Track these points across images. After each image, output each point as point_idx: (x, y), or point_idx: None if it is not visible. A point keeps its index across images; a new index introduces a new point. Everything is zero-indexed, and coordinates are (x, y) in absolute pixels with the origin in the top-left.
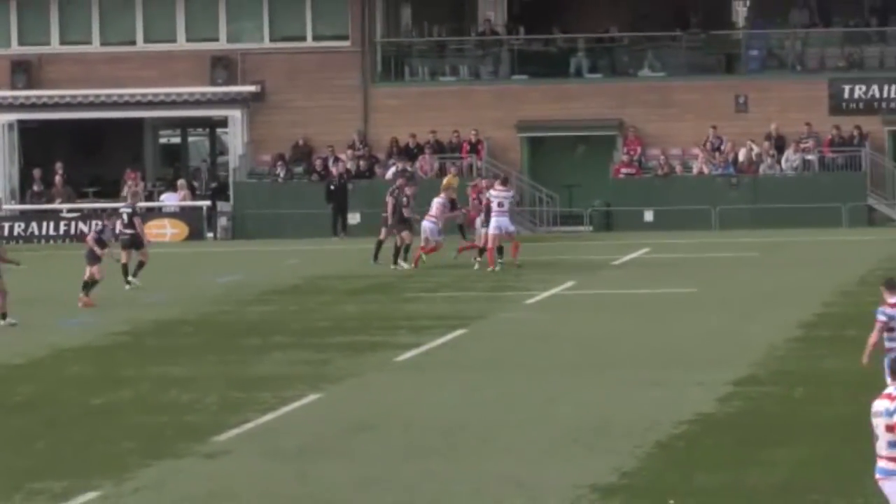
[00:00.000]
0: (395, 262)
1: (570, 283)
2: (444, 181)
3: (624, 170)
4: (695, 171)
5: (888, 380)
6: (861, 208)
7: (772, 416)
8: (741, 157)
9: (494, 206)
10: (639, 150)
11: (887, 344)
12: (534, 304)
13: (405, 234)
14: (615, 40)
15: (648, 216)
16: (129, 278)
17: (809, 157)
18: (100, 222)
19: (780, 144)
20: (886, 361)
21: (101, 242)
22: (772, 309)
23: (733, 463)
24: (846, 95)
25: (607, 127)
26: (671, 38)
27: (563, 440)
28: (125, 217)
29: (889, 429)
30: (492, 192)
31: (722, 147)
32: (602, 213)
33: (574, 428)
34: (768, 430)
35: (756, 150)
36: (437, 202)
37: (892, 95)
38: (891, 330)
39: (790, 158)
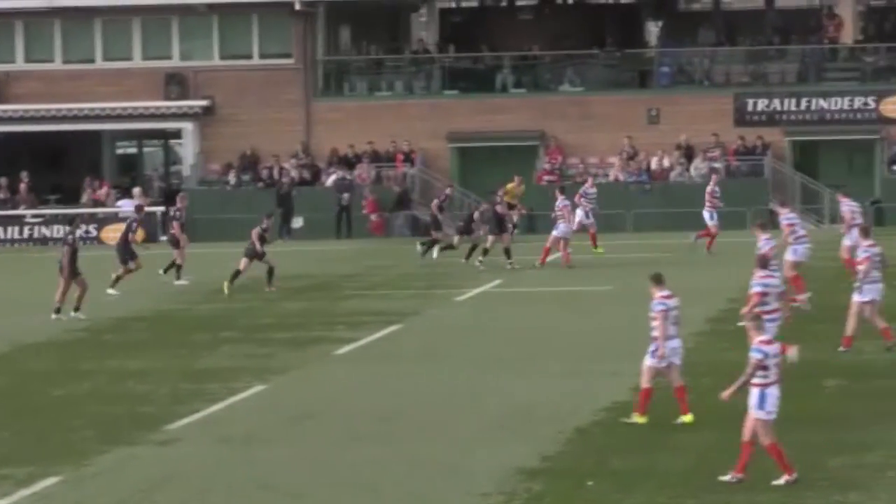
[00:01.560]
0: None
1: (497, 282)
2: (508, 187)
3: (546, 177)
4: (611, 178)
5: None
6: (763, 212)
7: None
8: (653, 165)
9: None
10: (560, 158)
11: (655, 333)
12: (464, 301)
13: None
14: (538, 58)
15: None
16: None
17: (716, 165)
18: (264, 220)
19: (689, 153)
20: None
21: (262, 239)
22: (682, 305)
23: (646, 447)
24: (750, 108)
25: (530, 138)
26: (589, 56)
27: (491, 427)
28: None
29: None
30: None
31: (635, 156)
32: (526, 217)
33: (501, 415)
34: (677, 417)
35: (667, 158)
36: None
37: (793, 108)
38: (665, 319)
39: (698, 166)
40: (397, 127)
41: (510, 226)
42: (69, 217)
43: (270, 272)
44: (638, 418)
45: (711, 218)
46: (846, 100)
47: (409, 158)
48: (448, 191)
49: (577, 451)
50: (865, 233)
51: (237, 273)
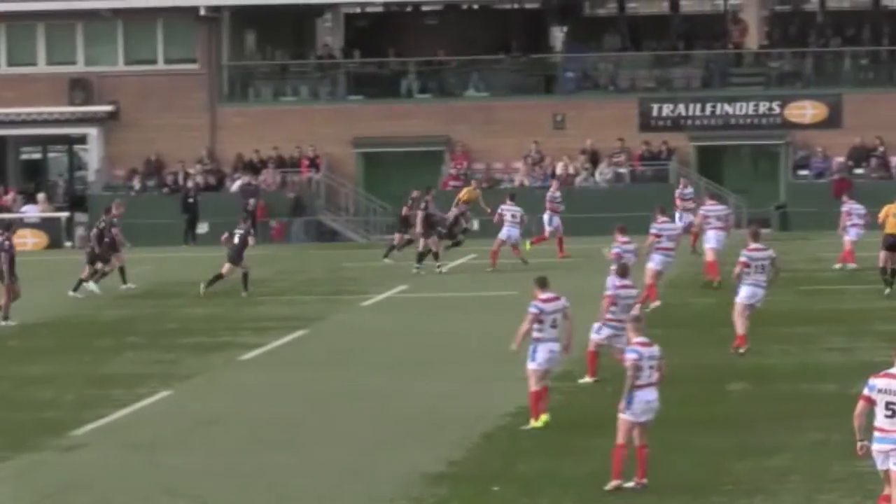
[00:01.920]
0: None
1: (402, 287)
2: (466, 190)
3: (452, 182)
4: (516, 183)
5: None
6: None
7: (585, 409)
8: (559, 170)
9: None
10: (465, 164)
11: (535, 334)
12: (369, 306)
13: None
14: (443, 63)
15: (475, 224)
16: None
17: (621, 170)
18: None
19: (594, 159)
20: None
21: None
22: (587, 311)
23: (551, 452)
24: (655, 114)
25: (436, 143)
26: (494, 61)
27: (396, 432)
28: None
29: None
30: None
31: (541, 161)
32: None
33: (406, 420)
34: (582, 422)
35: (572, 164)
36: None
37: (697, 113)
38: (541, 322)
39: (603, 172)
40: (302, 132)
41: (442, 231)
42: (5, 223)
43: (245, 277)
44: (534, 423)
45: (550, 223)
46: (751, 105)
47: (314, 164)
48: (427, 195)
49: (483, 456)
50: (754, 236)
51: (219, 276)
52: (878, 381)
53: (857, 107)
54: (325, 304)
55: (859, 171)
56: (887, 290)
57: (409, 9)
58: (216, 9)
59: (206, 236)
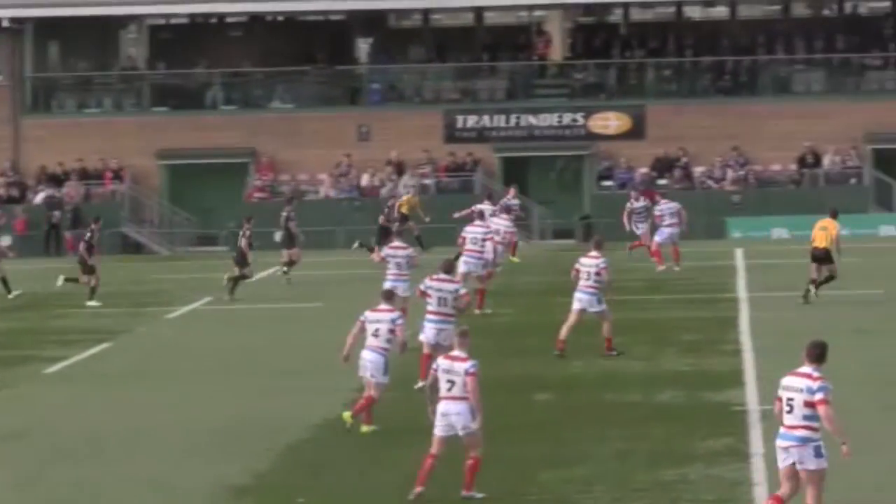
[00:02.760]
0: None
1: (207, 299)
2: (405, 198)
3: (257, 194)
4: (322, 194)
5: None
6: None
7: (394, 419)
8: (364, 181)
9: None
10: (271, 175)
11: (380, 344)
12: (175, 319)
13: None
14: (248, 75)
15: (278, 236)
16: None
17: (426, 181)
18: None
19: (399, 170)
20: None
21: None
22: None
23: (358, 463)
24: (460, 125)
25: (241, 155)
26: (299, 73)
27: (201, 444)
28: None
29: (808, 405)
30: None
31: (348, 173)
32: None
33: (211, 432)
34: (391, 433)
35: (378, 175)
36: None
37: (502, 125)
38: (392, 332)
39: (407, 183)
40: (106, 144)
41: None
42: None
43: (242, 277)
44: (364, 427)
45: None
46: (555, 116)
47: (118, 176)
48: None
49: (288, 468)
50: (597, 245)
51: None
52: (783, 380)
53: (660, 118)
54: (129, 317)
55: (663, 181)
56: (801, 301)
57: (213, 21)
58: (19, 20)
59: (10, 249)
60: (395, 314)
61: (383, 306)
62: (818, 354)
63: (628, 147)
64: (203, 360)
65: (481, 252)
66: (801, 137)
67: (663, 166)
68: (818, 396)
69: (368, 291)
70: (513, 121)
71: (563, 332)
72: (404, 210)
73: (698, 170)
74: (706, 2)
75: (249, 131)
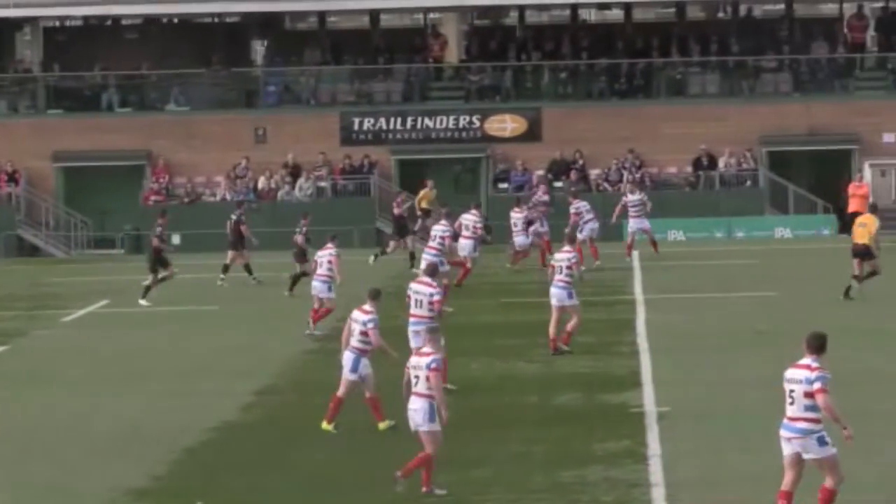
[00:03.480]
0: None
1: (104, 302)
2: (422, 194)
3: (153, 197)
4: (218, 197)
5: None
6: (370, 230)
7: (291, 423)
8: (260, 184)
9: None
10: (167, 178)
11: (354, 343)
12: (71, 322)
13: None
14: (144, 77)
15: (176, 239)
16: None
17: (322, 183)
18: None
19: (295, 172)
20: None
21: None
22: (290, 324)
23: (256, 465)
24: (356, 127)
25: (137, 157)
26: (195, 75)
27: (99, 448)
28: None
29: (808, 395)
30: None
31: (245, 175)
32: (133, 237)
33: (109, 436)
34: (288, 436)
35: (274, 177)
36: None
37: (398, 127)
38: (364, 333)
39: (303, 186)
40: (1, 146)
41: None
42: None
43: (303, 274)
44: (325, 426)
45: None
46: (451, 118)
47: (13, 178)
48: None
49: (187, 471)
50: (570, 240)
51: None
52: (786, 372)
53: (556, 120)
54: (25, 320)
55: (559, 184)
56: (843, 297)
57: (108, 22)
58: None
59: None
60: (368, 317)
61: (366, 307)
62: (818, 346)
63: (524, 149)
64: (100, 364)
65: (440, 249)
66: (697, 140)
67: (559, 169)
68: (816, 386)
69: (264, 294)
70: (409, 123)
71: (551, 330)
72: (424, 205)
73: (594, 172)
74: (601, 5)
75: (145, 134)
